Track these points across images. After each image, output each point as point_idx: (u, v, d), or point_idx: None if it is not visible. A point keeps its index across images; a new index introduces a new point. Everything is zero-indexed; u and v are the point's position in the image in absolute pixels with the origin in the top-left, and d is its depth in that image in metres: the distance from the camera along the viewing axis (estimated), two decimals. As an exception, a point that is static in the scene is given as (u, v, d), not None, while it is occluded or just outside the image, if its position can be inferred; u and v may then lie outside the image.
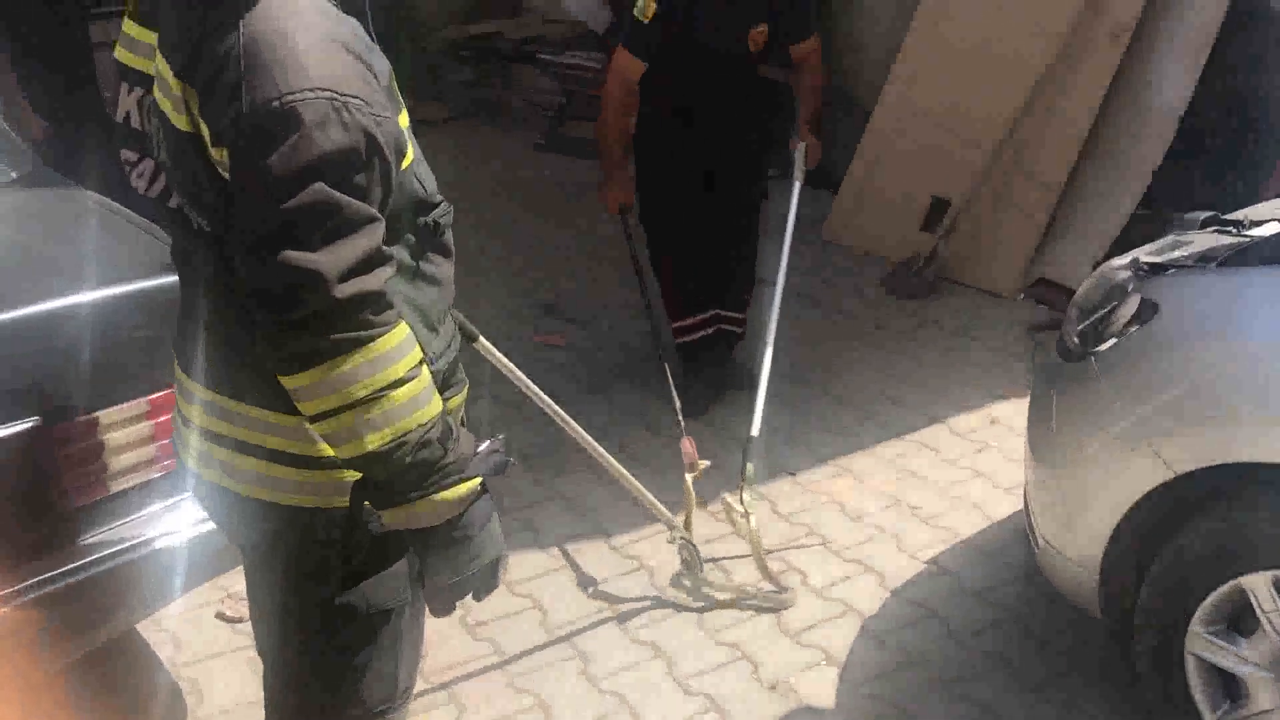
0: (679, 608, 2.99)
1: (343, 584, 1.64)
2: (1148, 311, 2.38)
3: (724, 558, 3.17)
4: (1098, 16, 4.90)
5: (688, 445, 3.18)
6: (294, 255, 1.34)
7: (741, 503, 3.04)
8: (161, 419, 2.27)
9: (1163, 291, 2.40)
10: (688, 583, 3.07)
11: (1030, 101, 4.99)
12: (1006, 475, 3.57)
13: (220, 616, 2.92)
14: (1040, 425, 2.69)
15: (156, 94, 1.49)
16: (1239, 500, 2.23)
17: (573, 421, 2.64)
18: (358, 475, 1.56)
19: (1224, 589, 2.22)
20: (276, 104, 1.33)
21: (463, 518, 1.52)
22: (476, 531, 1.54)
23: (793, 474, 3.64)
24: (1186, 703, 2.32)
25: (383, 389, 1.40)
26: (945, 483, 3.57)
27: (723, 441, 3.67)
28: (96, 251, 2.47)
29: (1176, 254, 2.52)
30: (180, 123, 1.42)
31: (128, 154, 1.63)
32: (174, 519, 2.34)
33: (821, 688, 2.71)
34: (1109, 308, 2.52)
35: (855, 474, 3.64)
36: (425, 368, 1.48)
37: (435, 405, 1.48)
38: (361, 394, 1.39)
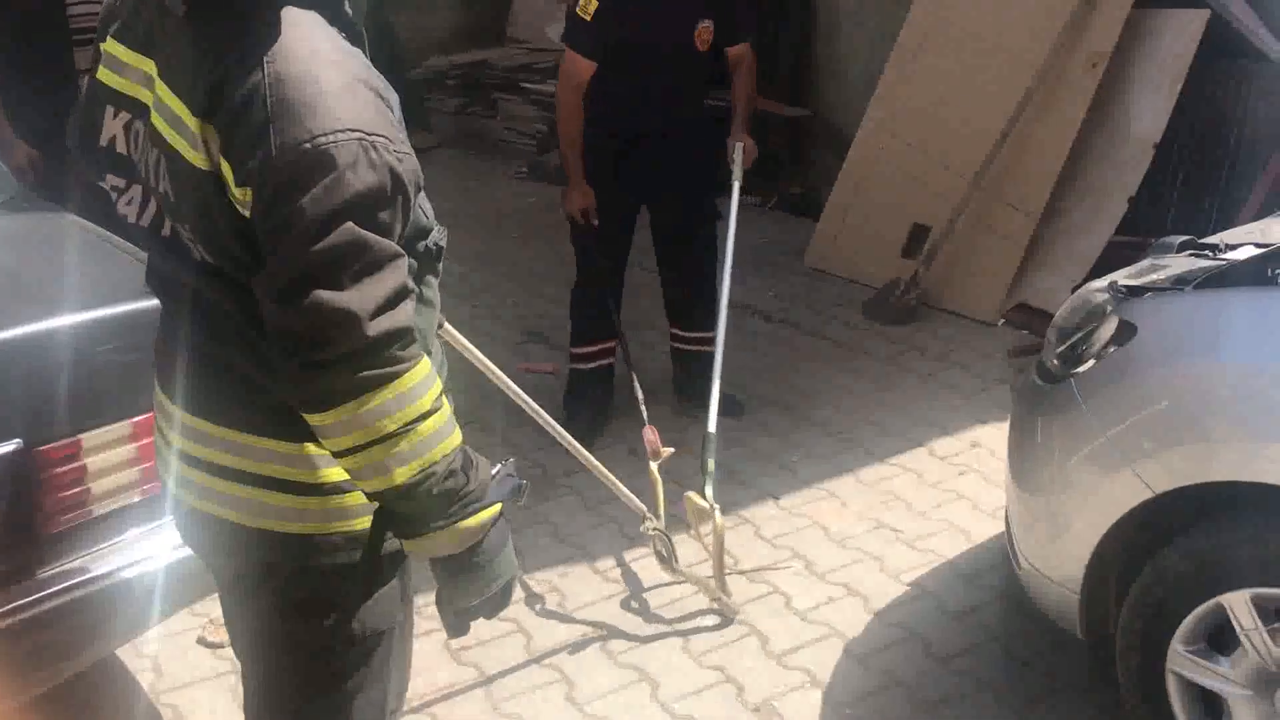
0: (639, 639, 2.99)
1: (347, 608, 1.63)
2: (1126, 333, 2.41)
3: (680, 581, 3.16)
4: (1075, 45, 4.97)
5: (650, 434, 3.19)
6: (326, 295, 1.35)
7: (705, 497, 3.03)
8: (144, 442, 2.27)
9: (1140, 313, 2.42)
10: (636, 605, 3.10)
11: (1009, 129, 5.05)
12: (988, 498, 3.58)
13: (201, 642, 2.90)
14: (1021, 447, 2.71)
15: (160, 126, 1.47)
16: (1218, 519, 2.25)
17: (545, 414, 2.67)
18: (355, 500, 1.57)
19: (1204, 608, 2.23)
20: (308, 145, 1.34)
21: (483, 543, 1.54)
22: (495, 555, 1.56)
23: (776, 498, 3.65)
24: (1168, 722, 2.33)
25: (410, 423, 1.41)
26: (928, 506, 3.59)
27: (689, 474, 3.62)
28: (79, 274, 2.47)
29: (1154, 277, 2.55)
30: (197, 160, 1.41)
31: (114, 180, 1.61)
32: (155, 543, 2.33)
33: (805, 710, 2.71)
34: (1088, 330, 2.55)
35: (838, 498, 3.65)
36: (445, 399, 1.49)
37: (457, 435, 1.49)
38: (390, 429, 1.40)
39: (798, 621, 3.03)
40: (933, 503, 3.61)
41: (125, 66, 1.55)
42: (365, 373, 1.38)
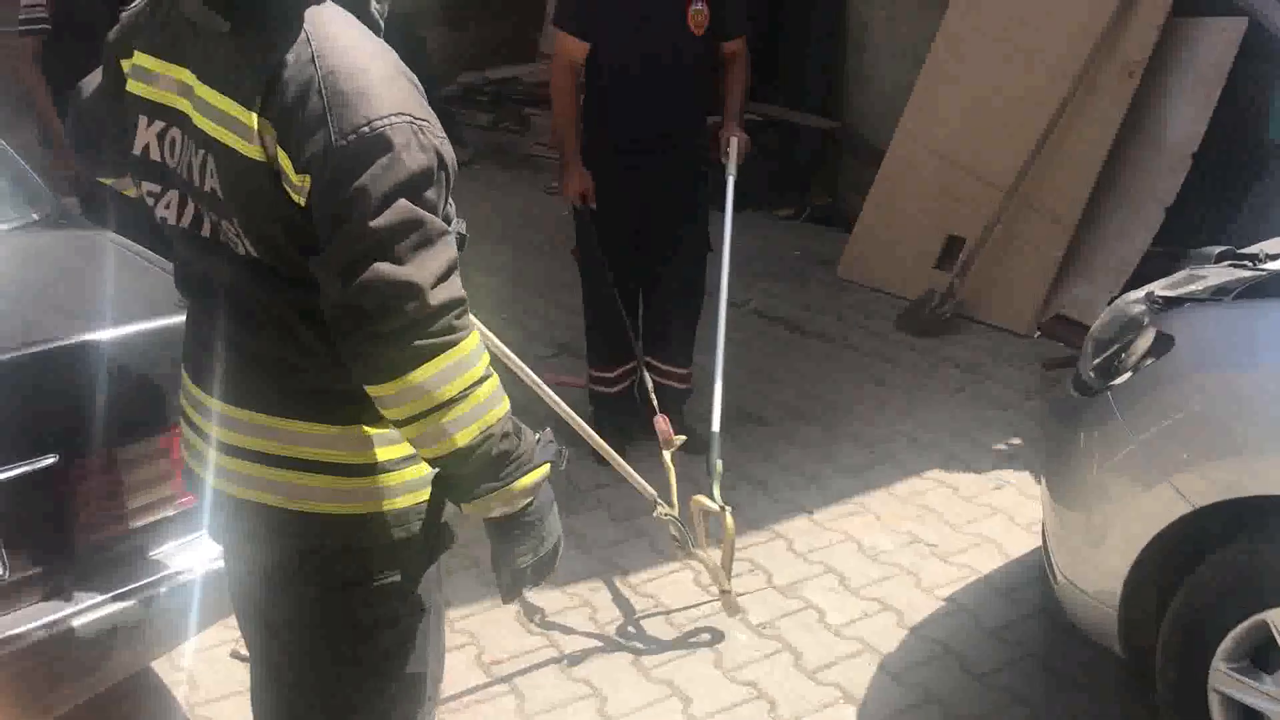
0: (670, 653, 2.97)
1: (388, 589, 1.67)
2: (1163, 345, 2.37)
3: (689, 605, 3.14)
4: (1110, 54, 4.93)
5: (661, 423, 3.19)
6: (387, 269, 1.43)
7: (714, 499, 3.01)
8: (179, 456, 2.28)
9: (1178, 325, 2.39)
10: (667, 619, 3.09)
11: (1044, 139, 5.01)
12: (1024, 512, 3.55)
13: (235, 655, 2.91)
14: (1057, 460, 2.68)
15: (205, 126, 1.53)
16: (1259, 534, 2.21)
17: (553, 394, 2.69)
18: (395, 479, 1.63)
19: (1246, 624, 2.20)
20: (366, 129, 1.43)
21: (533, 503, 1.62)
22: (545, 514, 1.65)
23: (810, 513, 3.63)
24: (1210, 741, 2.29)
25: (469, 387, 1.49)
26: (962, 520, 3.55)
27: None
28: (115, 290, 2.49)
29: (1191, 288, 2.51)
30: (252, 153, 1.49)
31: (150, 186, 1.67)
32: (190, 557, 2.34)
33: (839, 726, 2.68)
34: (1124, 341, 2.51)
35: (872, 512, 3.63)
36: (492, 367, 1.57)
37: (506, 401, 1.57)
38: (451, 394, 1.48)
39: (831, 637, 3.01)
40: (967, 517, 3.57)
41: (155, 76, 1.62)
42: (427, 340, 1.45)
